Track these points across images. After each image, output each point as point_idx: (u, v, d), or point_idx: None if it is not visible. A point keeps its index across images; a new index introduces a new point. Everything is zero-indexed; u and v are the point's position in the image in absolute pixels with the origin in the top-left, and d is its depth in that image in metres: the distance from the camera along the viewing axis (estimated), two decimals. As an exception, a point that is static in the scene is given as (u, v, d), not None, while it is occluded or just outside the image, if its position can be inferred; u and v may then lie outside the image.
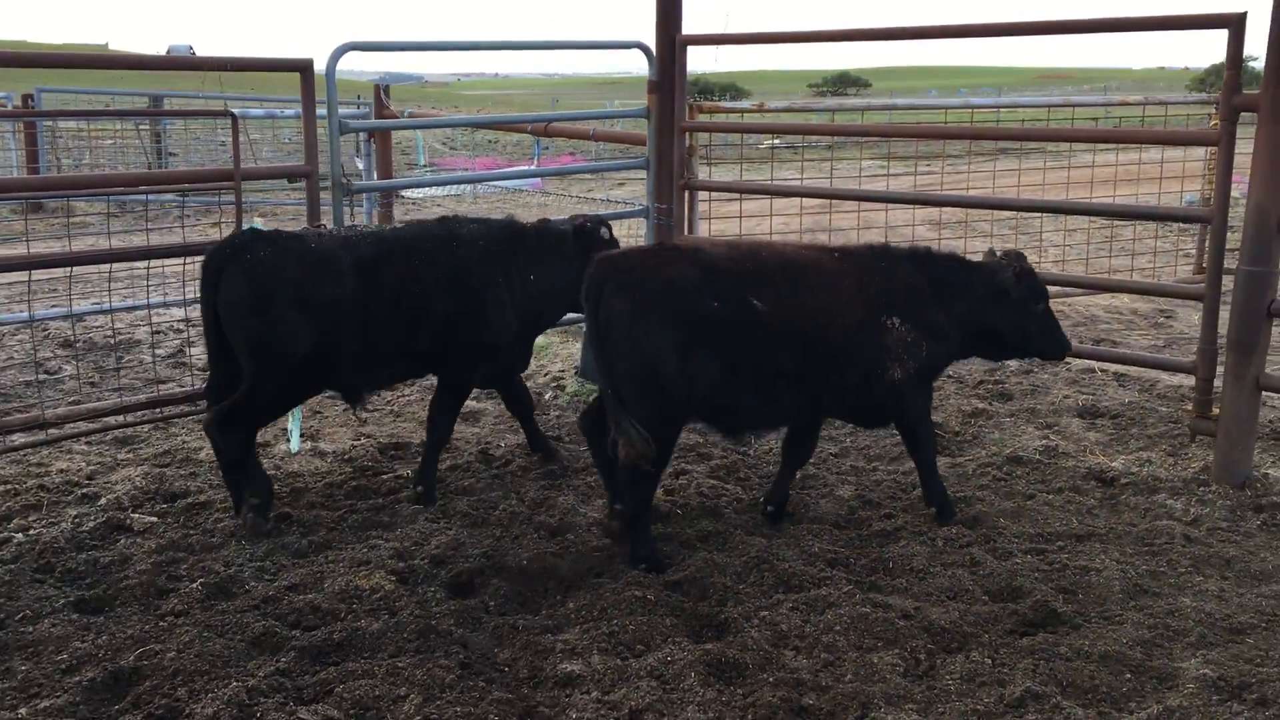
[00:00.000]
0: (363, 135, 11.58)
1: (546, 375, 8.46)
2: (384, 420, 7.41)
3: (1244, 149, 6.05)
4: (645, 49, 8.22)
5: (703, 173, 9.08)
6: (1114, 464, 6.44)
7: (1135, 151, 13.33)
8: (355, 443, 6.83)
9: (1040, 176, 12.27)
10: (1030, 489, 6.15)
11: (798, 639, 4.41)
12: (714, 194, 10.04)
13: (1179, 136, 8.28)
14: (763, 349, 5.14)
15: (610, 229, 6.41)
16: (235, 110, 7.65)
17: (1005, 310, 5.67)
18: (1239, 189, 8.87)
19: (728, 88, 75.48)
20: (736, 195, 10.35)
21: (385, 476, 6.30)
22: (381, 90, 11.27)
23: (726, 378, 5.09)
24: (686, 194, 8.63)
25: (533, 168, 17.45)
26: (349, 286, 5.54)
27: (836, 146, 19.09)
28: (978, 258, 5.93)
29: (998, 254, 5.87)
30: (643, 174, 8.71)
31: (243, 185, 6.43)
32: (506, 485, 6.21)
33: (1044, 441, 6.79)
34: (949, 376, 7.94)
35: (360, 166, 12.28)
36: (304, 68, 6.32)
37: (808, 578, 4.94)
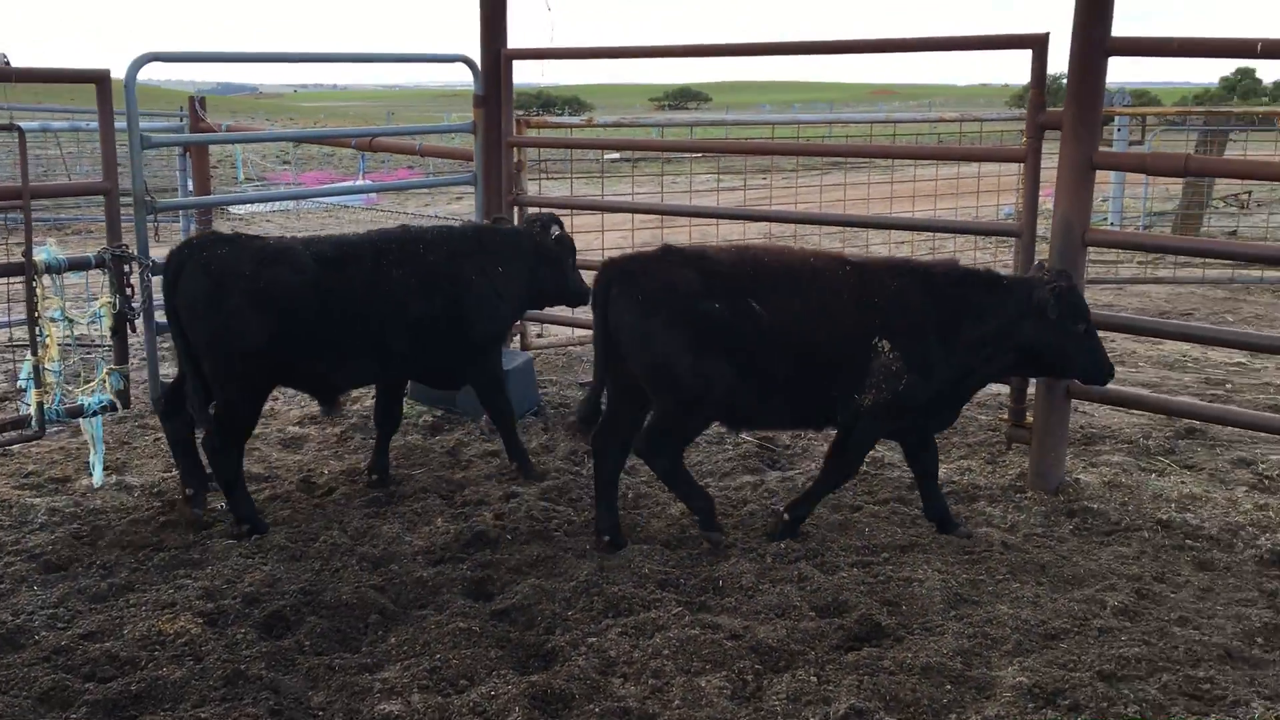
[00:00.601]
0: (177, 150, 11.07)
1: (373, 398, 8.16)
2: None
3: (1051, 164, 6.26)
4: (470, 62, 8.03)
5: (536, 187, 8.96)
6: (937, 473, 6.56)
7: (955, 166, 13.80)
8: (165, 474, 6.45)
9: (866, 190, 12.57)
10: (857, 500, 6.22)
11: (625, 665, 4.32)
12: (545, 209, 9.92)
13: (988, 153, 8.54)
14: (758, 353, 5.28)
15: (562, 227, 6.77)
16: (30, 124, 7.20)
17: (1043, 330, 5.52)
18: (1050, 202, 9.21)
19: (570, 101, 75.77)
20: (567, 210, 10.25)
21: (197, 510, 5.96)
22: (196, 102, 10.77)
23: (731, 376, 5.27)
24: (516, 209, 8.52)
25: (359, 183, 17.07)
26: (315, 281, 5.63)
27: (673, 161, 19.22)
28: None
29: (1045, 268, 5.77)
30: (477, 189, 8.53)
31: (52, 203, 6.06)
32: (328, 515, 5.96)
33: (870, 453, 6.86)
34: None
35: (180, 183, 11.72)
36: (99, 78, 5.94)
37: (637, 601, 4.86)
